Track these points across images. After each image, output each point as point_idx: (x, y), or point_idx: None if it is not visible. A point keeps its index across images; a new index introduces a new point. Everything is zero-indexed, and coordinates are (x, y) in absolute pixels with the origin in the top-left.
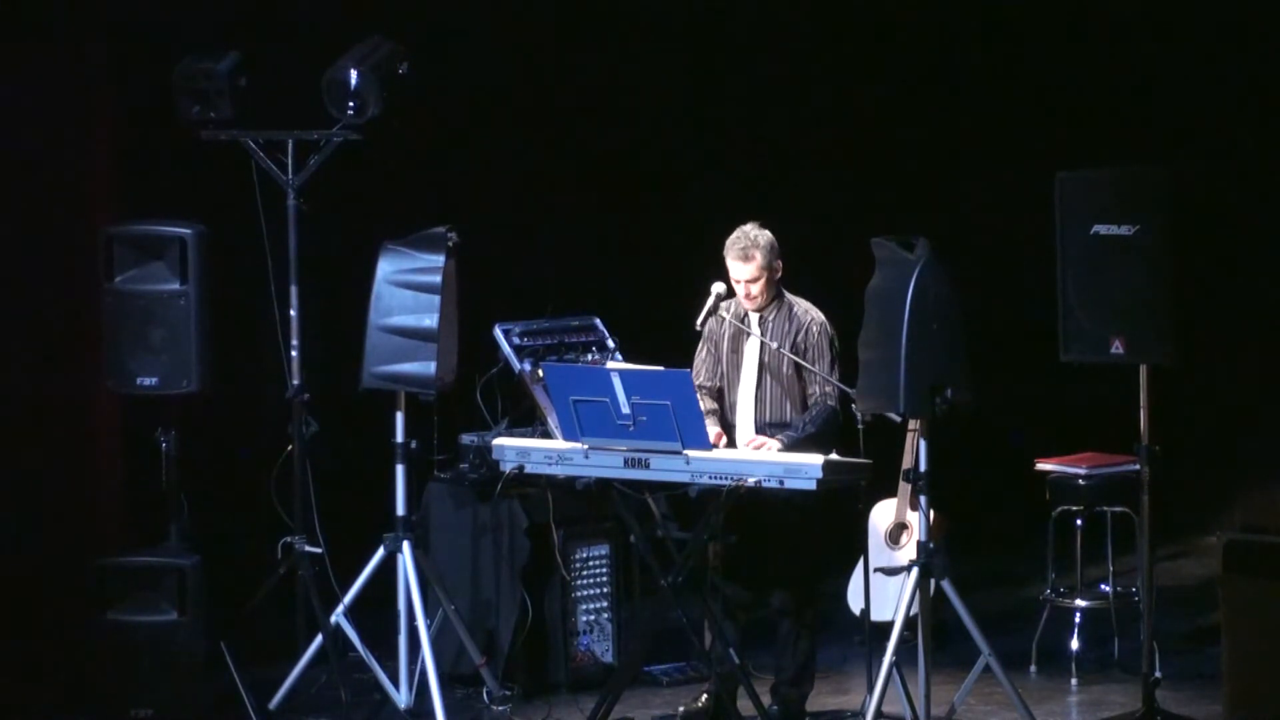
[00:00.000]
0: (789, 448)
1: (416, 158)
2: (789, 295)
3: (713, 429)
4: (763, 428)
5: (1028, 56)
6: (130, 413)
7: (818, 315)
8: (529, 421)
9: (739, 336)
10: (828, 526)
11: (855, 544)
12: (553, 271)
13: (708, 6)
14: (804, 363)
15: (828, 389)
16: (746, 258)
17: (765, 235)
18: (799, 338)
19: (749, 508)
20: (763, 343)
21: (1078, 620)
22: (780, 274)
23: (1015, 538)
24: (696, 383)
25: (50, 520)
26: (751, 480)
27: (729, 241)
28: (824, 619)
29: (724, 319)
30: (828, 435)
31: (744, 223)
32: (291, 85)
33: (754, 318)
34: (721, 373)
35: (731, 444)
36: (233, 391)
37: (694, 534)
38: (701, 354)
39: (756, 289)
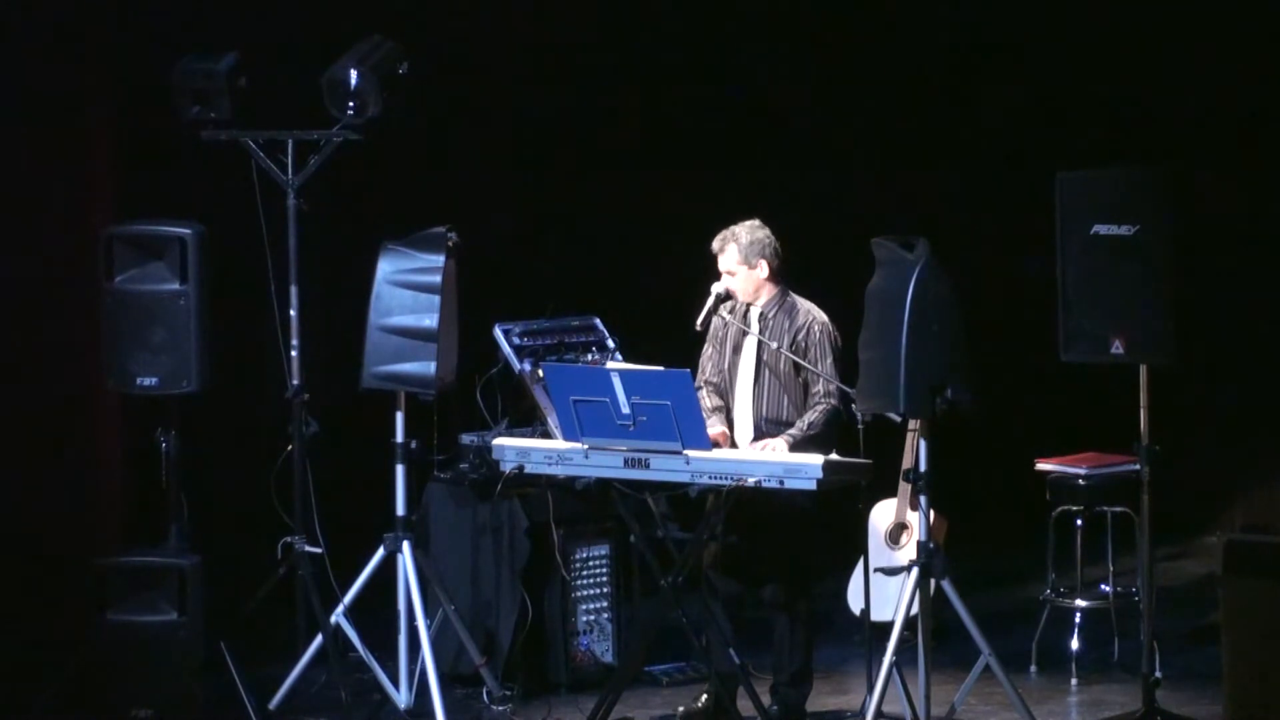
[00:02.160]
0: (794, 447)
1: (416, 158)
2: (793, 295)
3: (716, 428)
4: (760, 424)
5: (1028, 56)
6: (130, 413)
7: (820, 315)
8: (529, 421)
9: (739, 334)
10: (826, 525)
11: (855, 544)
12: (553, 271)
13: (708, 6)
14: (804, 362)
15: (830, 388)
16: (720, 248)
17: (753, 233)
18: (799, 336)
19: (748, 506)
20: (761, 341)
21: (1078, 620)
22: (769, 274)
23: (1015, 538)
24: (703, 379)
25: (50, 520)
26: (751, 480)
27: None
28: (824, 619)
29: (725, 319)
30: (831, 434)
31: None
32: (291, 85)
33: (754, 315)
34: (725, 369)
35: (732, 441)
36: (233, 391)
37: (694, 534)
38: (707, 351)
39: (735, 283)
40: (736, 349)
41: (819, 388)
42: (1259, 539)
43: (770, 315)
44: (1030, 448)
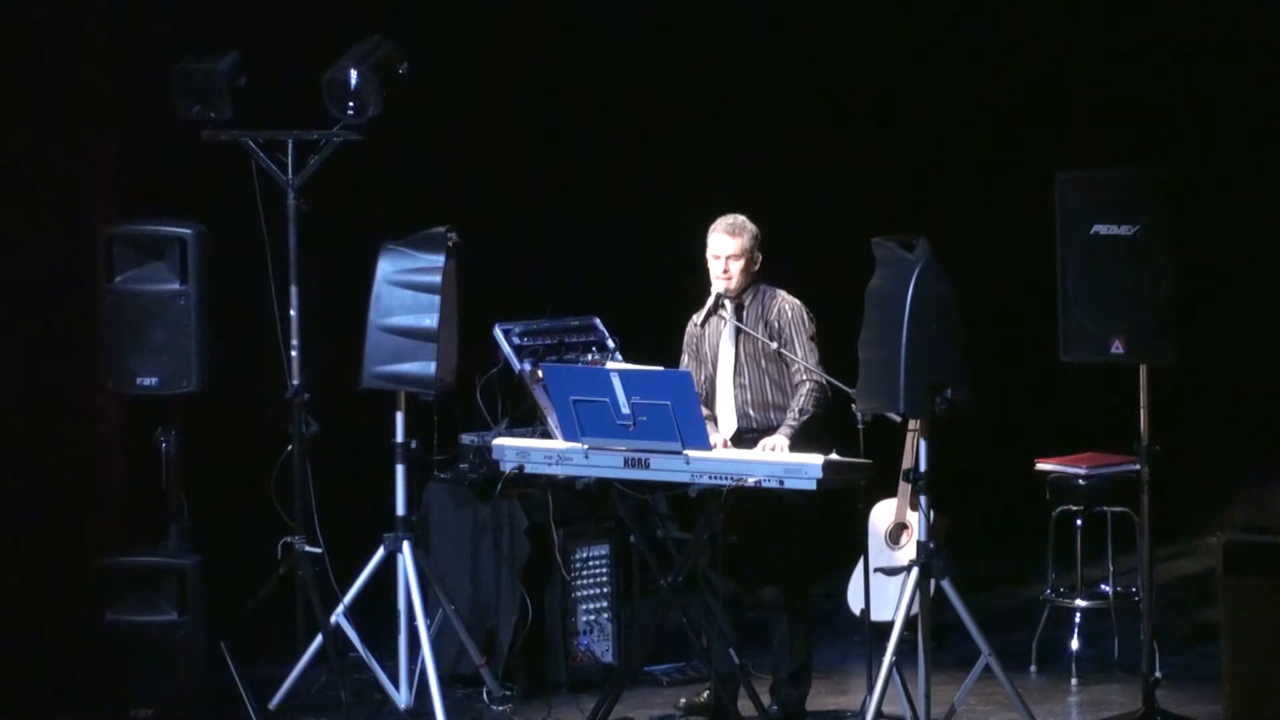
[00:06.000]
0: (794, 437)
1: (416, 158)
2: (765, 285)
3: (715, 435)
4: (745, 411)
5: (1027, 56)
6: (130, 413)
7: (792, 300)
8: (529, 421)
9: (718, 328)
10: (825, 525)
11: (855, 544)
12: (553, 271)
13: (707, 6)
14: (777, 344)
15: (810, 363)
16: (733, 233)
17: (752, 224)
18: (773, 319)
19: (748, 506)
20: (739, 328)
21: (1078, 620)
22: (759, 267)
23: (1015, 538)
24: None
25: (50, 520)
26: (751, 480)
27: (716, 221)
28: (824, 619)
29: (724, 318)
30: (824, 414)
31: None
32: (291, 85)
33: (730, 306)
34: (706, 375)
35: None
36: (233, 391)
37: (694, 534)
38: (683, 362)
39: (736, 268)
40: (715, 342)
41: (799, 368)
42: (1259, 539)
43: (747, 305)
44: (1030, 448)
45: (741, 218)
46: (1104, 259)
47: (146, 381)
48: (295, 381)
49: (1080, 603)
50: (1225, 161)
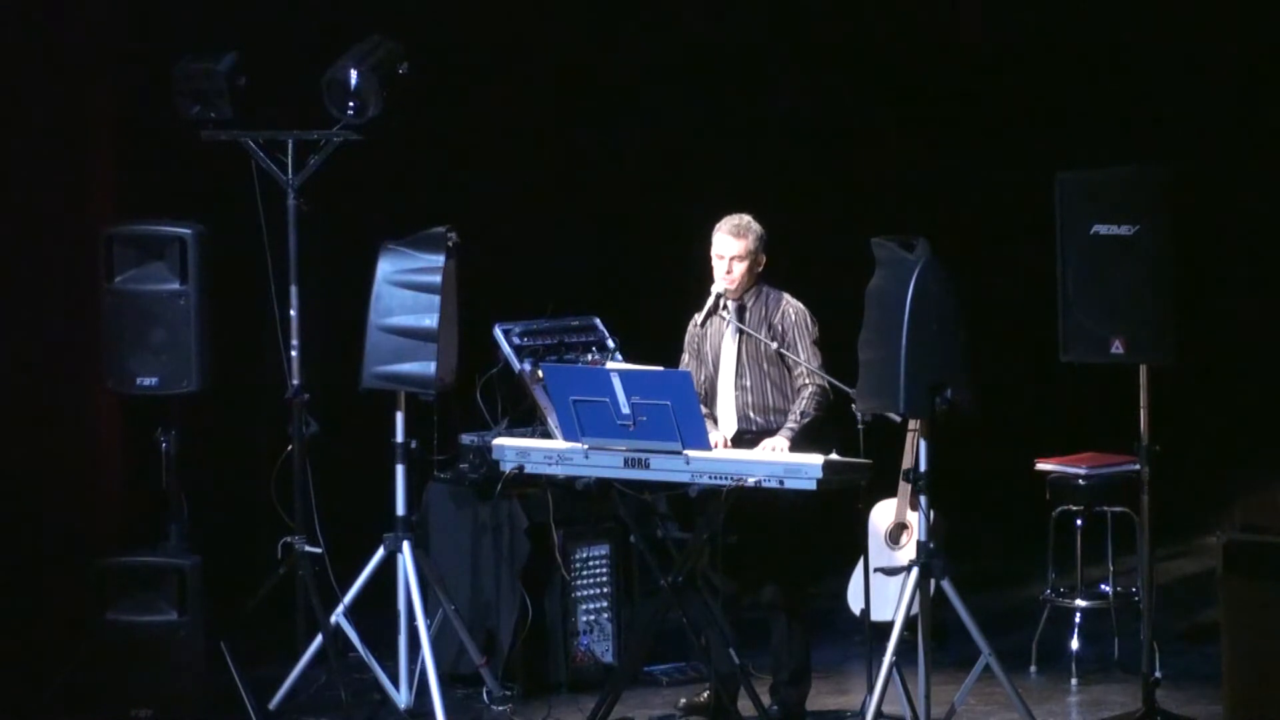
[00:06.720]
0: (795, 440)
1: (416, 158)
2: (768, 287)
3: (715, 434)
4: (746, 413)
5: (1028, 56)
6: (130, 413)
7: (796, 303)
8: (529, 421)
9: (719, 329)
10: (825, 525)
11: (855, 544)
12: (553, 271)
13: (706, 6)
14: (782, 348)
15: (812, 366)
16: (738, 234)
17: (758, 225)
18: (776, 321)
19: (748, 506)
20: (741, 329)
21: (1078, 620)
22: (762, 269)
23: (1015, 538)
24: None
25: (50, 520)
26: (751, 480)
27: (722, 220)
28: (824, 619)
29: (725, 318)
30: (825, 416)
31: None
32: (291, 85)
33: (733, 307)
34: (707, 375)
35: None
36: (233, 391)
37: (694, 534)
38: (686, 361)
39: (739, 269)
40: (716, 344)
41: (802, 371)
42: (1259, 539)
43: (749, 306)
44: (1030, 448)
45: (747, 218)
46: (1104, 259)
47: (146, 381)
48: (295, 381)
49: (1080, 603)
50: (1225, 161)
